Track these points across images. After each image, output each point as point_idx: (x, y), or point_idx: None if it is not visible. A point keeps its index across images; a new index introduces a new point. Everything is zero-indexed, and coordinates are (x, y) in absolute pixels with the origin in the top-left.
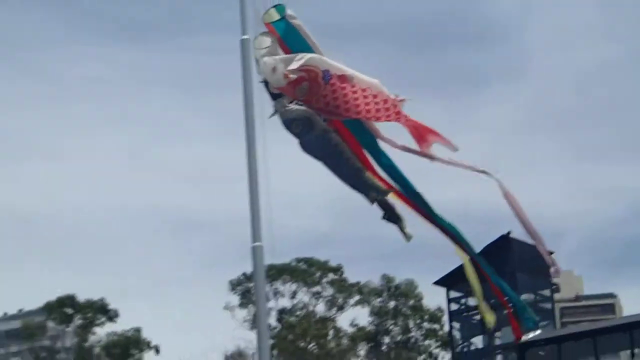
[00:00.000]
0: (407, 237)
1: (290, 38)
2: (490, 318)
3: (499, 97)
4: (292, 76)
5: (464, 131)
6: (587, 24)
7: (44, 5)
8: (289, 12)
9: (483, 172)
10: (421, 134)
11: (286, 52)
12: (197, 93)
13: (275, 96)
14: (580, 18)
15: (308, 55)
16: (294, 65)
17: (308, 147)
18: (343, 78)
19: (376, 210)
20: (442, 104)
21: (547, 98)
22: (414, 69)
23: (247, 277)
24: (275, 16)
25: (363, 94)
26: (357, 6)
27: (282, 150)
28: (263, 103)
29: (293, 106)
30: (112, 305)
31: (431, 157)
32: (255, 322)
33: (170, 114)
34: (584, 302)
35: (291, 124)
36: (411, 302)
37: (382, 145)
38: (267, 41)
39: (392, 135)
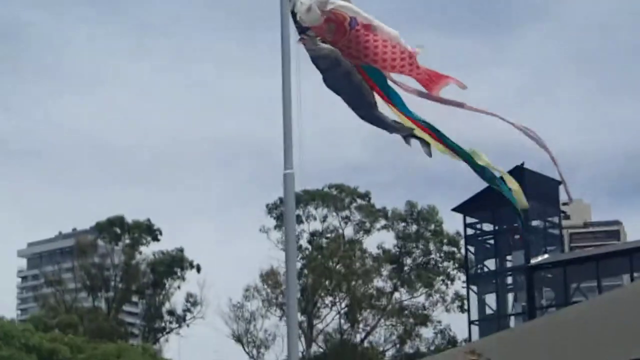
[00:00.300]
0: (429, 152)
1: None
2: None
3: (529, 36)
4: (322, 16)
5: (496, 65)
6: None
7: None
8: None
9: (492, 114)
10: (432, 79)
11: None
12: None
13: (302, 30)
14: None
15: (339, 2)
16: (326, 7)
17: (331, 82)
18: (368, 27)
19: (402, 143)
20: (477, 41)
21: (574, 39)
22: (448, 10)
23: (281, 201)
24: None
25: (383, 44)
26: None
27: (322, 87)
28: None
29: (321, 44)
30: (158, 225)
31: (442, 101)
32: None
33: (228, 51)
34: (591, 229)
35: (318, 60)
36: (432, 226)
37: (395, 88)
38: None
39: (403, 80)
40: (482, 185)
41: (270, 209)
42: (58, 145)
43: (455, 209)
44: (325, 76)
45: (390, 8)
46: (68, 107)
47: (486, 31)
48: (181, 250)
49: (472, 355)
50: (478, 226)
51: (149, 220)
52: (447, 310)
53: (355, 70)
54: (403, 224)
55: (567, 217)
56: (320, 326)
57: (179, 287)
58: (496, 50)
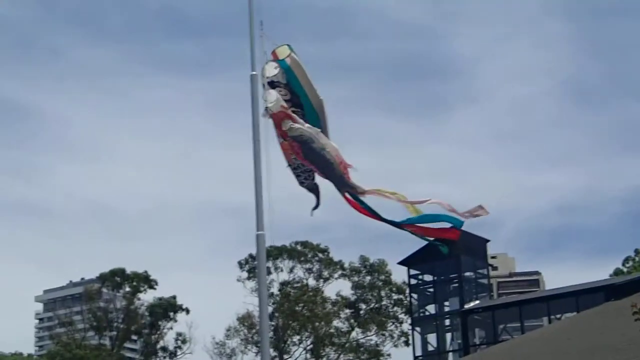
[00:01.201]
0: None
1: (288, 75)
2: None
3: (460, 117)
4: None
5: (433, 142)
6: (523, 62)
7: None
8: (292, 54)
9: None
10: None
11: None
12: (224, 114)
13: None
14: (518, 57)
15: (296, 127)
16: (284, 127)
17: (309, 155)
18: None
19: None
20: (417, 122)
21: (493, 119)
22: (393, 96)
23: (253, 257)
24: (286, 52)
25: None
26: (348, 46)
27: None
28: (268, 125)
29: (298, 125)
30: (154, 276)
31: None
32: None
33: (207, 128)
34: (515, 278)
35: (298, 136)
36: (382, 277)
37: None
38: (272, 70)
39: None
40: (423, 242)
41: (242, 264)
42: (68, 208)
43: (400, 262)
44: (304, 150)
45: (340, 94)
46: (75, 176)
47: (424, 114)
48: (174, 297)
49: None
50: (420, 277)
51: (146, 272)
52: (395, 346)
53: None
54: (358, 275)
55: (495, 269)
56: None
57: (171, 328)
58: (432, 129)
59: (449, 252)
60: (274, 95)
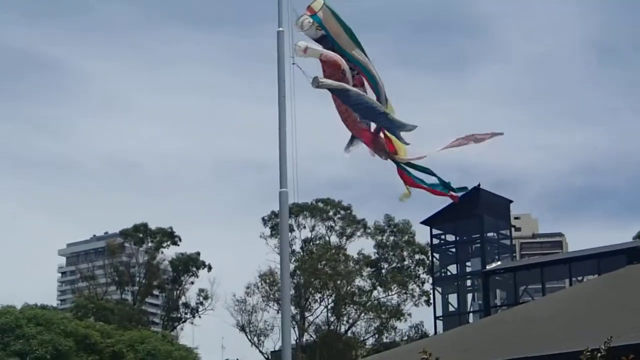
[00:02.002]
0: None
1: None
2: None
3: (483, 73)
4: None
5: (457, 98)
6: (546, 18)
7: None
8: (324, 6)
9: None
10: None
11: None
12: (250, 70)
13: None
14: (541, 13)
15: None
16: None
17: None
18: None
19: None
20: (438, 77)
21: (516, 76)
22: (421, 51)
23: (276, 214)
24: (319, 4)
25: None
26: (370, 2)
27: (313, 115)
28: (293, 79)
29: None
30: (177, 232)
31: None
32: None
33: (232, 84)
34: (538, 239)
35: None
36: (406, 237)
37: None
38: (309, 21)
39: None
40: (448, 200)
41: (265, 220)
42: (91, 162)
43: (423, 222)
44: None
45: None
46: (98, 130)
47: (445, 69)
48: (198, 253)
49: (423, 354)
50: (442, 237)
51: (171, 227)
52: (417, 306)
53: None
54: (382, 235)
55: (518, 229)
56: (310, 318)
57: (192, 284)
58: (454, 84)
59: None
60: (302, 44)
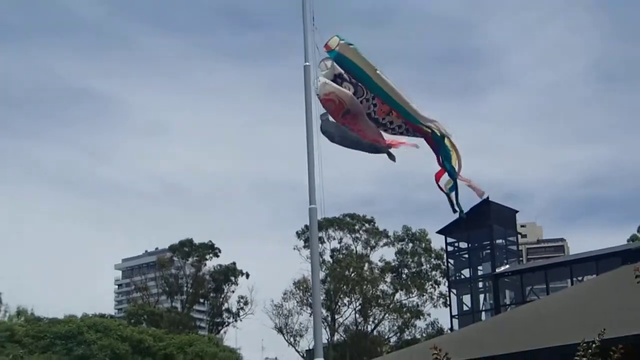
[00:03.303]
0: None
1: (340, 61)
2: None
3: (494, 99)
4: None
5: (470, 122)
6: (552, 47)
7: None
8: (341, 41)
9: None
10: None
11: (339, 72)
12: (282, 98)
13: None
14: (547, 43)
15: (344, 93)
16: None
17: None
18: (354, 117)
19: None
20: (454, 104)
21: (525, 100)
22: (432, 80)
23: (307, 228)
24: (335, 42)
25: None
26: (391, 37)
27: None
28: (318, 109)
29: (330, 119)
30: (218, 245)
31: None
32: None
33: (266, 110)
34: (542, 244)
35: (324, 134)
36: (423, 245)
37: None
38: (327, 64)
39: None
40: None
41: (299, 234)
42: (143, 184)
43: (439, 232)
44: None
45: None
46: (146, 155)
47: (460, 96)
48: (234, 263)
49: (434, 350)
50: (456, 244)
51: (211, 241)
52: (435, 306)
53: (349, 130)
54: (401, 243)
55: (524, 236)
56: (340, 320)
57: (233, 291)
58: (468, 109)
59: (466, 215)
60: (322, 81)
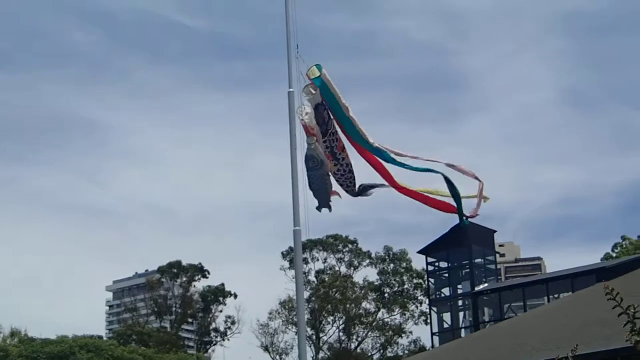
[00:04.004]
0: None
1: (323, 90)
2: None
3: (472, 123)
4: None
5: (450, 146)
6: (527, 75)
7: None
8: (323, 70)
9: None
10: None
11: (321, 99)
12: (267, 126)
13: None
14: (522, 70)
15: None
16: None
17: (311, 179)
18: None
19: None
20: (433, 129)
21: (501, 125)
22: (412, 107)
23: (292, 249)
24: (316, 72)
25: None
26: (372, 63)
27: None
28: (302, 134)
29: (316, 146)
30: (206, 267)
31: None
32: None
33: (252, 138)
34: (520, 263)
35: (309, 160)
36: (404, 264)
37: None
38: (312, 91)
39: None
40: (440, 232)
41: (284, 255)
42: (132, 208)
43: (419, 252)
44: (309, 174)
45: (365, 106)
46: (137, 181)
47: (439, 121)
48: (222, 284)
49: None
50: (436, 264)
51: (200, 263)
52: (416, 324)
53: (328, 176)
54: (383, 263)
55: (502, 255)
56: (324, 338)
57: (221, 311)
58: (447, 134)
59: (462, 237)
60: (308, 110)
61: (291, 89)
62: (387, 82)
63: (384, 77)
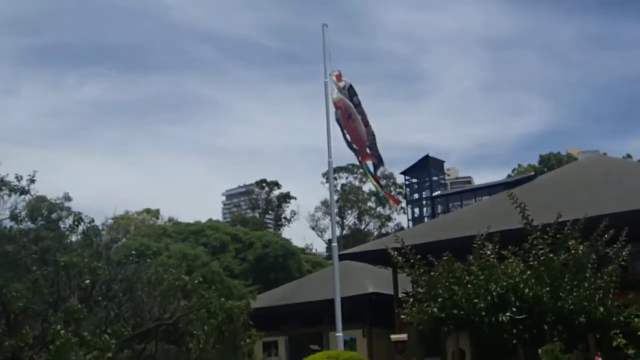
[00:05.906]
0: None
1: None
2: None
3: (424, 98)
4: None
5: (408, 114)
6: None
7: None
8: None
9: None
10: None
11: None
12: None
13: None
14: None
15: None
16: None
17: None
18: (353, 121)
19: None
20: (402, 104)
21: (446, 105)
22: (385, 94)
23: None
24: (337, 74)
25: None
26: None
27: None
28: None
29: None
30: (280, 182)
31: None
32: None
33: (306, 109)
34: (459, 180)
35: (338, 122)
36: (391, 180)
37: None
38: (341, 78)
39: None
40: (413, 162)
41: (323, 174)
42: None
43: (402, 172)
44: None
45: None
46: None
47: (405, 99)
48: (289, 192)
49: (396, 237)
50: (412, 180)
51: (276, 180)
52: (398, 214)
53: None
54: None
55: (448, 175)
56: (346, 222)
57: (287, 207)
58: (412, 106)
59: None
60: (335, 94)
61: (326, 80)
62: (366, 80)
63: (363, 76)
